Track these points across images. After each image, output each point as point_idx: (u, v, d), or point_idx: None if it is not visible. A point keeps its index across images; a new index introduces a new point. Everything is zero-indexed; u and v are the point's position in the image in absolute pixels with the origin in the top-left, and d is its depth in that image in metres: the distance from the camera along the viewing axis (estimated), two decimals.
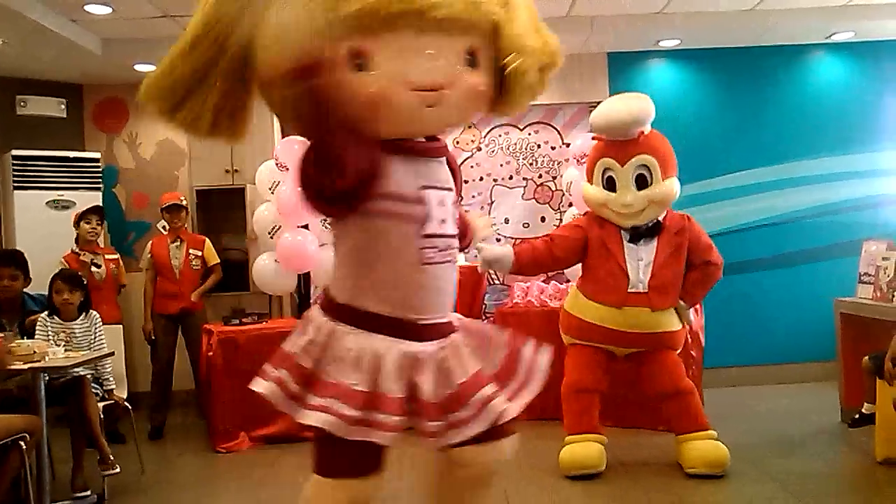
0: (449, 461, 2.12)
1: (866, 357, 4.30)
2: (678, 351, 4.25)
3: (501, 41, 1.94)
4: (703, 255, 4.16)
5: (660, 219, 4.14)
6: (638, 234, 4.10)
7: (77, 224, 5.52)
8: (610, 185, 4.13)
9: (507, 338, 2.14)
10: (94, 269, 5.44)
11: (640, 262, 4.05)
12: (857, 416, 4.48)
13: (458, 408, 1.96)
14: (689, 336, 4.61)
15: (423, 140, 2.03)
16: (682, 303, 4.16)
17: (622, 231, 4.12)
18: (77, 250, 5.48)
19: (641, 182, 4.06)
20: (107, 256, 5.65)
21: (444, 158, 2.09)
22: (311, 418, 1.89)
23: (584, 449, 4.02)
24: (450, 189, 2.05)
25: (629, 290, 4.03)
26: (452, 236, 2.05)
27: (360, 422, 1.87)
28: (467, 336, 2.10)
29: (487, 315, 6.04)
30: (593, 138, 4.35)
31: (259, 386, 1.99)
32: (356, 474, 2.02)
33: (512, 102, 2.08)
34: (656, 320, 4.06)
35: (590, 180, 4.27)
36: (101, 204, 5.99)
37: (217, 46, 1.88)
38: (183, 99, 1.91)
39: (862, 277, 4.88)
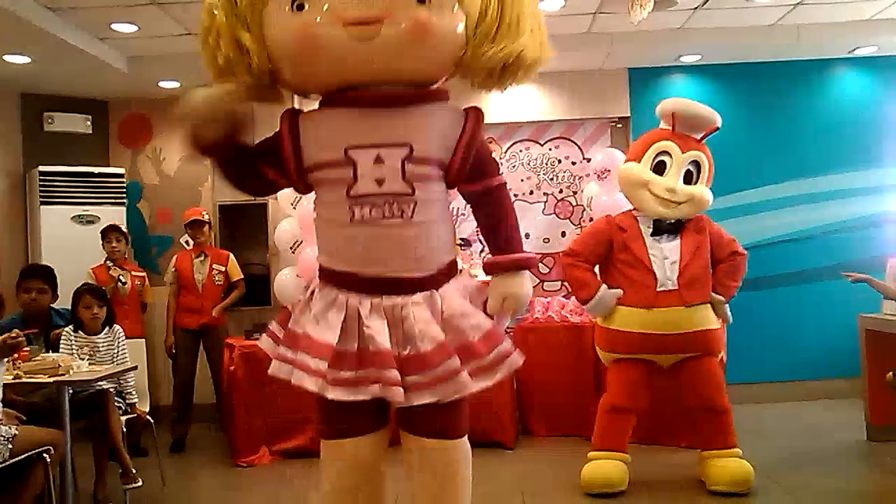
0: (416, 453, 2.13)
1: (890, 373, 4.25)
2: (719, 357, 4.15)
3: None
4: (728, 248, 4.17)
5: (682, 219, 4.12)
6: (660, 229, 4.05)
7: (102, 244, 5.64)
8: (658, 169, 4.10)
9: (489, 323, 2.12)
10: (119, 284, 5.54)
11: (665, 260, 3.98)
12: None
13: (420, 371, 1.96)
14: None
15: (372, 89, 1.89)
16: (717, 296, 4.05)
17: (645, 226, 4.07)
18: (109, 264, 5.60)
19: (688, 177, 4.09)
20: (133, 273, 5.77)
21: (412, 107, 1.93)
22: (278, 370, 2.11)
23: (608, 467, 3.97)
24: (401, 144, 1.90)
25: (658, 290, 3.94)
26: (400, 194, 1.93)
27: (319, 374, 1.96)
28: (448, 301, 2.06)
29: (508, 330, 6.01)
30: (662, 126, 4.28)
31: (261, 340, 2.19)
32: (349, 434, 2.07)
33: (477, 62, 1.95)
34: (692, 318, 3.95)
35: (636, 160, 4.19)
36: (124, 219, 6.11)
37: None
38: None
39: None
